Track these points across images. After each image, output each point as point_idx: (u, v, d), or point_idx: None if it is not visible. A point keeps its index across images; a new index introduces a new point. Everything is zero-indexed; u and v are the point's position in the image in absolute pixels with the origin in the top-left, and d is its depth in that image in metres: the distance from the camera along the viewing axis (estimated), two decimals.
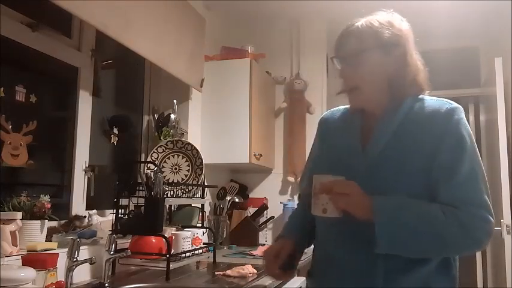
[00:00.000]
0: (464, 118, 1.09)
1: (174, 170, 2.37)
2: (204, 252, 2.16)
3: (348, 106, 1.26)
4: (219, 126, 2.91)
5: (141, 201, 1.92)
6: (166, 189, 2.03)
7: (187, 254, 1.96)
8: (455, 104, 1.11)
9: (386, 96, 1.13)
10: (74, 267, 1.51)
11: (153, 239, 1.87)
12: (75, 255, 1.50)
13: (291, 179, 3.26)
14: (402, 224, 1.00)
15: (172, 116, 2.61)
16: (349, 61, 1.13)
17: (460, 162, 1.03)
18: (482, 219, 1.01)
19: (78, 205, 2.08)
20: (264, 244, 3.08)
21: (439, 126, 1.07)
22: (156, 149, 2.39)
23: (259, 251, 2.56)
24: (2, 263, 1.35)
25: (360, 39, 1.11)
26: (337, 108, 1.34)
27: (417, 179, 1.06)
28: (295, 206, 1.50)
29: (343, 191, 1.03)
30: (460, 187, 1.03)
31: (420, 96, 1.15)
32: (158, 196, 1.88)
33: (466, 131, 1.07)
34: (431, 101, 1.13)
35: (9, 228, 1.50)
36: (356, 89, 1.13)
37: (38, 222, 1.65)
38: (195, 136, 2.83)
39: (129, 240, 1.91)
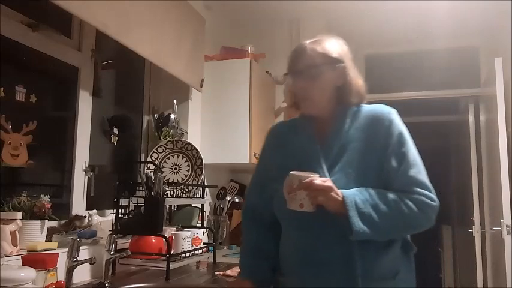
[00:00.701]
0: (399, 118, 1.31)
1: (174, 170, 2.37)
2: (204, 252, 2.16)
3: (293, 119, 1.44)
4: (219, 126, 2.91)
5: (141, 201, 1.92)
6: (166, 189, 2.03)
7: (187, 254, 1.96)
8: (390, 108, 1.32)
9: (334, 105, 1.32)
10: (74, 267, 1.51)
11: (153, 239, 1.87)
12: (75, 255, 1.50)
13: None
14: (371, 211, 1.16)
15: (172, 116, 2.61)
16: (303, 76, 1.29)
17: (405, 155, 1.24)
18: (430, 199, 1.20)
19: (78, 205, 2.08)
20: None
21: (382, 128, 1.27)
22: (156, 149, 2.39)
23: None
24: (2, 263, 1.35)
25: (311, 56, 1.28)
26: (284, 121, 1.52)
27: (372, 174, 1.24)
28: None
29: (322, 187, 1.15)
30: (408, 175, 1.21)
31: (361, 105, 1.35)
32: (158, 196, 1.88)
33: (404, 128, 1.29)
34: (371, 107, 1.34)
35: (9, 228, 1.50)
36: (309, 99, 1.31)
37: (38, 222, 1.65)
38: (195, 136, 2.83)
39: (129, 240, 1.91)
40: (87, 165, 2.14)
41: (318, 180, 1.15)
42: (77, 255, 1.50)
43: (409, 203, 1.18)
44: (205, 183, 2.44)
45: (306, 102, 1.31)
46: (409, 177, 1.21)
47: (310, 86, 1.28)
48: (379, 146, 1.25)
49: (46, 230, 1.70)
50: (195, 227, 2.33)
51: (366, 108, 1.34)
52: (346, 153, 1.26)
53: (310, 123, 1.35)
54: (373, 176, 1.23)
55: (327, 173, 1.24)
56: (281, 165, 1.33)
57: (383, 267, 1.23)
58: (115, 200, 1.89)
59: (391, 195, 1.19)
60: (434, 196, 1.21)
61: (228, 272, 1.93)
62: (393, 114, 1.30)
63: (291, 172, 1.18)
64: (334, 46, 1.31)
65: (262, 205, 1.40)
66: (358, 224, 1.14)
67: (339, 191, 1.17)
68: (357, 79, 1.33)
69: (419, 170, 1.23)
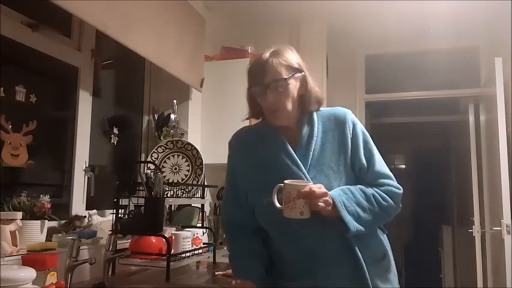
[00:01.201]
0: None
1: (174, 170, 2.38)
2: (204, 252, 2.16)
3: (254, 126, 1.50)
4: (219, 126, 2.91)
5: (141, 201, 1.92)
6: (166, 189, 2.03)
7: (187, 254, 1.96)
8: (348, 110, 1.42)
9: (299, 112, 1.39)
10: (74, 267, 1.51)
11: (153, 239, 1.87)
12: (75, 255, 1.50)
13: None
14: (357, 208, 1.27)
15: (172, 116, 2.61)
16: (273, 89, 1.32)
17: (371, 152, 1.37)
18: (396, 188, 1.35)
19: (78, 205, 2.08)
20: None
21: (348, 129, 1.37)
22: (156, 149, 2.39)
23: None
24: (2, 263, 1.35)
25: (277, 70, 1.31)
26: (245, 128, 1.53)
27: (347, 172, 1.33)
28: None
29: (321, 194, 1.21)
30: (375, 170, 1.35)
31: (321, 109, 1.43)
32: (158, 196, 1.88)
33: (363, 126, 1.42)
34: (330, 110, 1.43)
35: (9, 228, 1.50)
36: (279, 110, 1.34)
37: (38, 222, 1.65)
38: (195, 136, 2.83)
39: (129, 240, 1.91)
40: (87, 165, 2.14)
41: (314, 187, 1.21)
42: (77, 255, 1.50)
43: (383, 194, 1.31)
44: (205, 183, 2.44)
45: (277, 114, 1.35)
46: (377, 172, 1.35)
47: (280, 99, 1.32)
48: (348, 146, 1.35)
49: (46, 230, 1.70)
50: (195, 227, 2.33)
51: (326, 111, 1.42)
52: (321, 156, 1.34)
53: (276, 130, 1.39)
54: (348, 174, 1.34)
55: (308, 177, 1.29)
56: (257, 173, 1.37)
57: (375, 251, 1.35)
58: (115, 200, 1.88)
59: (368, 190, 1.31)
60: (398, 184, 1.36)
61: (228, 271, 1.93)
62: (351, 114, 1.41)
63: (286, 182, 1.22)
64: (293, 56, 1.36)
65: (241, 216, 1.40)
66: (352, 223, 1.24)
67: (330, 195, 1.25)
68: (315, 86, 1.39)
69: (383, 164, 1.38)
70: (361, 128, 1.40)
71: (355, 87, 3.97)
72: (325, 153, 1.34)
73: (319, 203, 1.20)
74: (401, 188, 1.36)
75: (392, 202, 1.32)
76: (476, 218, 3.55)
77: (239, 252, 1.42)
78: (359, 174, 1.35)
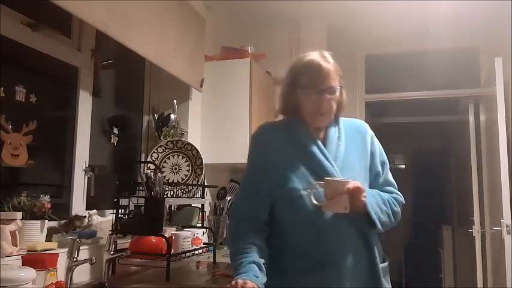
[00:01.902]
0: None
1: (174, 170, 2.38)
2: (204, 252, 2.16)
3: (278, 122, 1.55)
4: (219, 126, 2.91)
5: (141, 201, 1.92)
6: (166, 189, 2.03)
7: (187, 254, 1.96)
8: (365, 122, 1.56)
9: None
10: (74, 267, 1.51)
11: (153, 239, 1.88)
12: (75, 255, 1.50)
13: None
14: (378, 209, 1.37)
15: (172, 116, 2.61)
16: (327, 94, 1.39)
17: (385, 163, 1.51)
18: (401, 196, 1.49)
19: (78, 205, 2.08)
20: None
21: (367, 139, 1.50)
22: (156, 149, 2.39)
23: None
24: (2, 263, 1.35)
25: (334, 76, 1.41)
26: (270, 123, 1.58)
27: (365, 176, 1.45)
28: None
29: (363, 190, 1.32)
30: (387, 178, 1.49)
31: (340, 118, 1.53)
32: (158, 196, 1.89)
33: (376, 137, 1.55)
34: (352, 120, 1.55)
35: (9, 228, 1.50)
36: (326, 114, 1.43)
37: (38, 222, 1.65)
38: (195, 136, 2.83)
39: (129, 240, 1.91)
40: (87, 165, 2.14)
41: (358, 183, 1.31)
42: (77, 255, 1.50)
43: (394, 200, 1.44)
44: (205, 183, 2.44)
45: (322, 117, 1.43)
46: (388, 180, 1.49)
47: (331, 104, 1.42)
48: (368, 153, 1.48)
49: (46, 230, 1.70)
50: (195, 227, 2.33)
51: (347, 120, 1.54)
52: (346, 158, 1.43)
53: (306, 128, 1.46)
54: (366, 178, 1.45)
55: (340, 174, 1.37)
56: (287, 168, 1.40)
57: (380, 253, 1.43)
58: (115, 200, 1.89)
59: (384, 195, 1.43)
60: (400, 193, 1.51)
61: (228, 272, 1.93)
62: (368, 126, 1.55)
63: (330, 178, 1.31)
64: (336, 63, 1.45)
65: (256, 211, 1.41)
66: (377, 221, 1.34)
67: None
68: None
69: (391, 174, 1.52)
70: (377, 141, 1.53)
71: (355, 87, 3.97)
72: (350, 156, 1.43)
73: (363, 198, 1.31)
74: (402, 196, 1.49)
75: (399, 208, 1.45)
76: (476, 218, 3.55)
77: (243, 249, 1.37)
78: (373, 180, 1.47)
